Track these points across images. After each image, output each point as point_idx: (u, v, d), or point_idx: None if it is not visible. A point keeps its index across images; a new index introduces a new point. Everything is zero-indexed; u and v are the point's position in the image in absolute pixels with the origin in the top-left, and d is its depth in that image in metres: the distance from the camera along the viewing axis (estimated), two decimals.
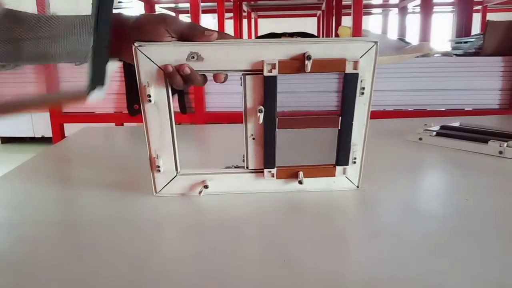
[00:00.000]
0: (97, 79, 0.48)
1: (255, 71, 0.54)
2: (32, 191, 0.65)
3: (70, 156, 0.91)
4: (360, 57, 0.54)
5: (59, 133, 1.67)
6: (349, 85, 0.55)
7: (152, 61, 0.52)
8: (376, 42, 0.54)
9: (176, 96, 1.63)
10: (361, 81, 0.55)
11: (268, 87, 0.54)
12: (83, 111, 1.70)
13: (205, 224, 0.52)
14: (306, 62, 0.52)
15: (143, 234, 0.49)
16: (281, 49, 0.53)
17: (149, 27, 0.51)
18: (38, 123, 3.64)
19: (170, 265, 0.42)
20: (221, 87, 1.64)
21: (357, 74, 0.54)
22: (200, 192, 0.58)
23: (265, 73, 0.53)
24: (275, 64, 0.53)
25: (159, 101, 0.55)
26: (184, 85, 0.54)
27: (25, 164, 0.78)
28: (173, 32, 0.52)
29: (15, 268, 0.42)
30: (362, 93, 0.55)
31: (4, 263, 0.43)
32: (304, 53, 0.53)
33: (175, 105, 1.64)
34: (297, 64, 0.53)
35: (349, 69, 0.54)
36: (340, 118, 0.57)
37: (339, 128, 0.58)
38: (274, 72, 0.53)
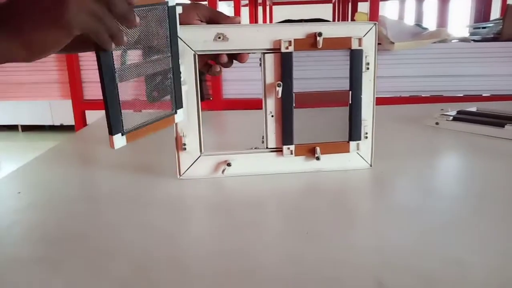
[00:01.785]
0: (178, 102, 0.57)
1: (274, 50, 0.60)
2: (61, 174, 0.68)
3: (94, 142, 0.94)
4: (363, 36, 0.60)
5: (81, 120, 1.72)
6: (355, 61, 0.61)
7: (184, 41, 0.57)
8: (375, 23, 0.61)
9: None
10: (366, 57, 0.61)
11: (285, 63, 0.60)
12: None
13: (229, 202, 0.55)
14: (318, 38, 0.59)
15: (170, 212, 0.52)
16: (296, 29, 0.59)
17: (181, 13, 0.57)
18: (56, 112, 3.71)
19: (198, 239, 0.45)
20: (238, 74, 1.67)
21: (362, 50, 0.61)
22: (223, 171, 0.61)
23: (283, 50, 0.59)
24: (291, 41, 0.59)
25: (187, 80, 0.59)
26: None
27: (51, 150, 0.82)
28: (202, 16, 0.58)
29: (48, 240, 0.45)
30: (368, 68, 0.62)
31: (39, 237, 0.47)
32: (316, 32, 0.59)
33: None
34: (310, 41, 0.60)
35: (354, 45, 0.60)
36: (350, 93, 0.62)
37: (350, 102, 0.63)
38: (290, 49, 0.59)
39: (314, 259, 0.40)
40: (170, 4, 0.53)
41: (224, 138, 0.96)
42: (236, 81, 1.68)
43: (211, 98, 1.68)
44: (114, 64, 0.47)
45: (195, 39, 0.57)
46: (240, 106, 1.65)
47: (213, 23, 0.58)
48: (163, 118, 0.56)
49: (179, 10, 0.54)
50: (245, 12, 3.26)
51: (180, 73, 0.56)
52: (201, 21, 0.58)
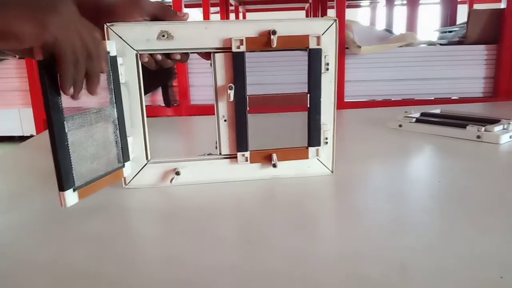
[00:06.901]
0: (125, 154, 0.55)
1: (224, 49, 0.55)
2: (5, 182, 0.64)
3: (36, 152, 0.90)
4: (322, 34, 0.56)
5: (43, 128, 1.65)
6: (313, 61, 0.56)
7: (124, 40, 0.53)
8: (335, 20, 0.56)
9: (160, 89, 1.62)
10: (325, 57, 0.56)
11: (237, 64, 0.55)
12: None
13: (174, 211, 0.51)
14: (272, 37, 0.54)
15: (112, 221, 0.48)
16: (249, 26, 0.55)
17: (122, 9, 0.53)
18: (26, 122, 3.59)
19: (135, 246, 0.42)
20: (205, 80, 1.64)
21: (320, 49, 0.56)
22: (171, 180, 0.57)
23: (234, 49, 0.55)
24: (242, 40, 0.54)
25: (129, 82, 0.54)
26: (156, 66, 0.57)
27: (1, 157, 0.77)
28: (146, 14, 0.53)
29: None
30: (327, 69, 0.57)
31: None
32: (270, 30, 0.54)
33: (159, 98, 1.63)
34: (264, 40, 0.55)
35: (312, 44, 0.56)
36: (308, 96, 0.58)
37: (308, 106, 0.58)
38: (242, 48, 0.55)
39: (252, 268, 0.37)
40: (111, 54, 0.51)
41: (180, 144, 0.93)
42: (204, 87, 1.65)
43: (178, 104, 1.65)
44: (63, 113, 0.46)
45: (137, 37, 0.53)
46: (208, 112, 1.62)
47: (159, 19, 0.54)
48: (111, 173, 0.52)
49: (119, 60, 0.53)
50: (216, 19, 3.23)
51: (125, 123, 0.54)
52: (145, 19, 0.53)
